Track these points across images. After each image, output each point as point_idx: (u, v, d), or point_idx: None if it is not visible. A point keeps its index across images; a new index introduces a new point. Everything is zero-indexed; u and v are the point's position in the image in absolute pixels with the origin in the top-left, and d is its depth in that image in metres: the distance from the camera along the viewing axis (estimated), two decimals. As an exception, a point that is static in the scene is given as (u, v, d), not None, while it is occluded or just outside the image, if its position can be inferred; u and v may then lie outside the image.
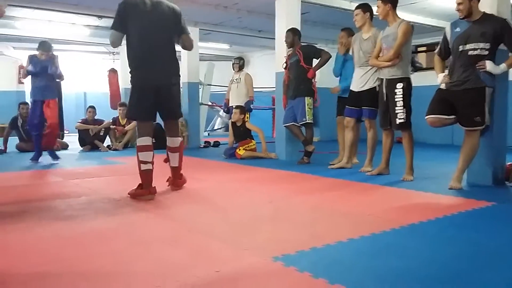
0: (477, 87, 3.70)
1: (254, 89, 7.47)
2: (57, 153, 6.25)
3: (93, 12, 7.66)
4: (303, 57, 5.58)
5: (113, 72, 10.82)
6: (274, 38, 6.54)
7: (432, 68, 4.42)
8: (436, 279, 1.79)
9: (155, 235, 2.49)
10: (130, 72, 3.58)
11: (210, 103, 10.58)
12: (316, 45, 6.52)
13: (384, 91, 4.39)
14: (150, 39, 3.51)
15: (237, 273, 1.87)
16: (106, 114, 9.14)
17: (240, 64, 7.43)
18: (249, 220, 2.85)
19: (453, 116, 3.81)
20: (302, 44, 5.84)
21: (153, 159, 3.54)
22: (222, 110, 10.32)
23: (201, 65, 9.32)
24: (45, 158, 6.16)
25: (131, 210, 3.12)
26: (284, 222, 2.78)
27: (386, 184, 4.10)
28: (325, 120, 9.50)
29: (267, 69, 10.12)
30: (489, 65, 3.64)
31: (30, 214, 3.00)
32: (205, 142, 9.16)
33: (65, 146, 8.16)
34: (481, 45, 3.67)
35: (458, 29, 3.81)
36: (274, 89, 6.71)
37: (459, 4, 3.69)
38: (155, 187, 3.51)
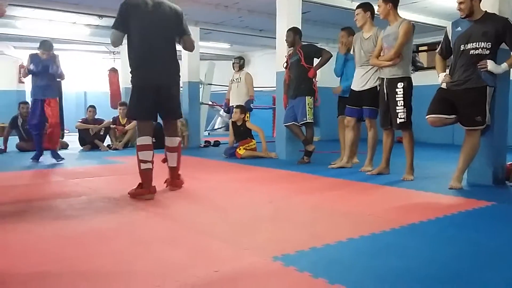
0: (478, 86, 3.69)
1: (255, 89, 7.47)
2: (58, 152, 6.23)
3: (93, 11, 7.67)
4: (303, 57, 5.58)
5: (113, 72, 10.83)
6: (275, 38, 6.53)
7: (433, 68, 4.42)
8: (436, 279, 1.79)
9: (155, 234, 2.48)
10: (130, 72, 3.58)
11: (210, 103, 10.58)
12: (317, 45, 6.51)
13: (385, 90, 4.38)
14: (151, 39, 3.51)
15: (236, 273, 1.86)
16: (107, 113, 9.14)
17: (240, 63, 7.43)
18: (249, 220, 2.85)
19: (453, 116, 3.81)
20: (303, 43, 5.83)
21: (153, 158, 3.54)
22: (222, 110, 10.31)
23: (202, 64, 9.33)
24: (46, 158, 6.16)
25: (131, 209, 3.12)
26: (284, 222, 2.78)
27: (386, 183, 4.09)
28: (326, 120, 9.50)
29: (268, 68, 10.13)
30: (490, 65, 3.63)
31: (30, 213, 3.00)
32: (206, 141, 9.16)
33: (65, 146, 8.15)
34: (483, 44, 3.66)
35: (459, 29, 3.80)
36: (275, 88, 6.70)
37: (460, 3, 3.68)
38: (155, 186, 3.51)
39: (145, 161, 3.50)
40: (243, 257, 2.08)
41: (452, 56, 3.92)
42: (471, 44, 3.70)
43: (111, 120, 8.45)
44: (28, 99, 6.83)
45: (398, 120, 4.26)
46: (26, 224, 2.73)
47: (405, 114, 4.24)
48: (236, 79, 7.34)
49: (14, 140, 7.78)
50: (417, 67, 5.10)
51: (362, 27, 4.84)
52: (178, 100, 3.81)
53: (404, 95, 4.23)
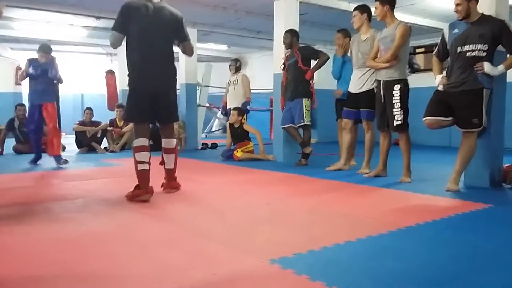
0: (475, 88, 3.70)
1: (252, 91, 7.47)
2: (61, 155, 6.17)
3: (91, 13, 7.65)
4: (301, 58, 5.58)
5: (110, 74, 10.78)
6: (273, 39, 6.54)
7: (430, 70, 4.43)
8: (433, 281, 1.79)
9: (152, 237, 2.48)
10: (128, 75, 3.59)
11: (208, 105, 10.57)
12: (314, 46, 6.52)
13: (382, 92, 4.39)
14: (149, 43, 3.53)
15: (234, 276, 1.86)
16: (104, 115, 9.12)
17: (237, 65, 7.44)
18: (247, 222, 2.85)
19: (450, 118, 3.81)
20: (300, 45, 5.84)
21: (149, 159, 3.55)
22: (219, 112, 10.31)
23: (199, 66, 9.32)
24: (44, 161, 6.14)
25: (128, 212, 3.11)
26: (281, 224, 2.77)
27: (383, 186, 4.10)
28: (323, 122, 9.50)
29: (265, 70, 10.11)
30: (487, 67, 3.64)
31: (27, 216, 2.99)
32: (203, 143, 9.15)
33: (62, 148, 8.12)
34: (479, 46, 3.67)
35: (456, 31, 3.81)
36: (272, 90, 6.70)
37: (457, 5, 3.70)
38: (152, 186, 3.50)
39: (142, 162, 3.50)
40: (240, 259, 2.08)
41: (449, 58, 3.93)
42: (468, 46, 3.71)
43: (108, 122, 8.42)
44: (25, 101, 6.81)
45: (395, 122, 4.26)
46: (23, 226, 2.72)
47: (402, 116, 4.24)
48: (233, 81, 7.34)
49: (10, 142, 7.76)
50: (414, 69, 5.11)
51: (359, 29, 4.84)
52: (174, 103, 3.81)
53: (401, 97, 4.24)
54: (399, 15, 4.61)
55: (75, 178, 4.82)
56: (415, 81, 5.37)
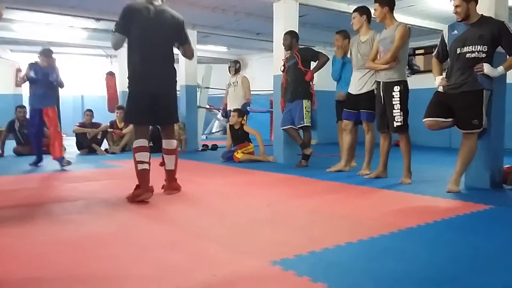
0: (475, 89, 3.70)
1: (252, 92, 7.47)
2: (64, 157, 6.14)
3: (90, 14, 7.65)
4: (301, 60, 5.58)
5: (110, 75, 10.81)
6: (272, 41, 6.55)
7: (429, 71, 4.43)
8: (435, 282, 1.79)
9: (152, 238, 2.48)
10: (128, 77, 3.60)
11: (208, 106, 10.57)
12: (314, 48, 6.52)
13: (381, 94, 4.39)
14: (150, 45, 3.54)
15: (235, 277, 1.86)
16: (104, 117, 9.12)
17: (236, 67, 7.44)
18: (247, 223, 2.84)
19: (450, 119, 3.82)
20: (300, 46, 5.84)
21: (149, 160, 3.55)
22: (220, 113, 10.31)
23: (199, 68, 9.32)
24: (45, 163, 6.14)
25: (128, 213, 3.11)
26: (282, 226, 2.77)
27: (384, 187, 4.09)
28: (323, 123, 9.47)
29: (265, 71, 10.11)
30: (486, 68, 3.64)
31: (28, 218, 2.99)
32: (203, 145, 9.14)
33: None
34: (479, 47, 3.67)
35: (455, 32, 3.81)
36: (272, 92, 6.71)
37: (456, 6, 3.70)
38: (152, 186, 3.50)
39: (141, 162, 3.50)
40: (241, 261, 2.07)
41: (448, 60, 3.93)
42: (468, 47, 3.71)
43: (109, 124, 8.42)
44: (25, 103, 6.81)
45: (395, 124, 4.26)
46: (23, 228, 2.72)
47: (401, 117, 4.24)
48: (233, 83, 7.35)
49: (11, 144, 7.76)
50: (414, 71, 5.11)
51: (358, 30, 4.85)
52: (174, 105, 3.82)
53: (401, 99, 4.24)
54: (398, 16, 4.62)
55: (76, 179, 4.82)
56: (415, 82, 5.36)
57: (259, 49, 11.86)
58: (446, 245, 2.32)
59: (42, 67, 5.83)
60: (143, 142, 3.57)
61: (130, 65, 3.60)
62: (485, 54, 3.67)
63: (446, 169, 4.75)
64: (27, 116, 7.04)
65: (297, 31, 5.96)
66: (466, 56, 3.71)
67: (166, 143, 3.83)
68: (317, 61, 5.61)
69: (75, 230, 2.67)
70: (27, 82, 5.90)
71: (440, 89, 3.88)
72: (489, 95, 3.74)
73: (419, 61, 9.78)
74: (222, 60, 12.71)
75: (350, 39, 5.20)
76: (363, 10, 4.82)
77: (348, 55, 5.22)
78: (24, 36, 9.72)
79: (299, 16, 6.36)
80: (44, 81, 5.78)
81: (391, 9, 4.35)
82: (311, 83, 5.65)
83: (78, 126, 8.15)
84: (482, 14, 3.75)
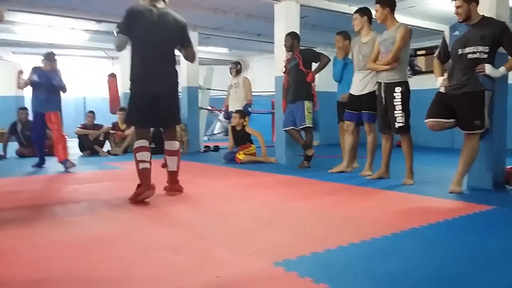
0: (477, 90, 3.70)
1: (254, 93, 7.48)
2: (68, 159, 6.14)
3: (92, 16, 7.67)
4: (302, 61, 5.59)
5: (112, 77, 10.80)
6: (273, 42, 6.55)
7: (431, 72, 4.43)
8: (437, 283, 1.79)
9: (155, 240, 2.48)
10: (130, 78, 3.61)
11: (209, 108, 10.59)
12: (315, 49, 6.52)
13: (383, 95, 4.39)
14: (152, 47, 3.56)
15: (238, 278, 1.86)
16: (106, 119, 9.13)
17: (237, 68, 7.45)
18: (250, 225, 2.85)
19: (452, 120, 3.81)
20: (301, 48, 5.85)
21: (150, 159, 3.57)
22: (221, 115, 10.31)
23: (201, 69, 9.34)
24: (47, 164, 6.15)
25: (131, 215, 3.12)
26: (284, 227, 2.78)
27: (386, 188, 4.09)
28: (325, 124, 9.51)
29: (267, 73, 10.14)
30: (488, 69, 3.64)
31: (30, 219, 2.99)
32: (205, 146, 9.16)
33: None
34: (480, 48, 3.67)
35: (457, 33, 3.81)
36: (274, 93, 6.71)
37: (458, 7, 3.70)
38: (153, 184, 3.51)
39: (143, 161, 3.52)
40: (244, 262, 2.08)
41: (450, 60, 3.93)
42: (469, 48, 3.71)
43: (111, 126, 8.44)
44: (27, 105, 6.82)
45: (397, 125, 4.26)
46: (26, 230, 2.72)
47: (403, 118, 4.24)
48: (234, 84, 7.36)
49: (13, 146, 7.77)
50: (415, 71, 5.10)
51: (359, 31, 4.85)
52: (176, 107, 3.83)
53: (402, 100, 4.24)
54: (399, 17, 4.62)
55: (78, 181, 4.83)
56: (416, 83, 5.36)
57: (260, 51, 11.87)
58: (448, 246, 2.32)
59: (45, 71, 5.85)
60: (143, 142, 3.59)
61: (132, 66, 3.61)
62: (486, 55, 3.66)
63: (448, 170, 4.75)
64: (29, 118, 7.06)
65: (298, 32, 5.97)
66: (468, 57, 3.71)
67: (168, 145, 3.84)
68: (318, 62, 5.62)
69: (78, 232, 2.67)
70: (29, 86, 5.92)
71: (442, 89, 3.88)
72: (491, 96, 3.74)
73: (420, 62, 9.78)
74: (223, 61, 12.72)
75: (351, 40, 5.21)
76: (364, 11, 4.83)
77: (349, 56, 5.23)
78: (26, 38, 9.74)
79: (300, 17, 6.36)
80: (47, 85, 5.79)
81: (392, 10, 4.35)
82: (312, 84, 5.65)
83: (80, 127, 8.17)
84: (483, 15, 3.75)
